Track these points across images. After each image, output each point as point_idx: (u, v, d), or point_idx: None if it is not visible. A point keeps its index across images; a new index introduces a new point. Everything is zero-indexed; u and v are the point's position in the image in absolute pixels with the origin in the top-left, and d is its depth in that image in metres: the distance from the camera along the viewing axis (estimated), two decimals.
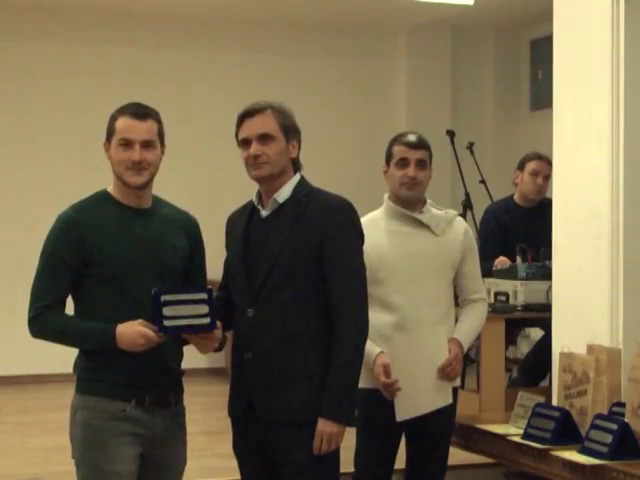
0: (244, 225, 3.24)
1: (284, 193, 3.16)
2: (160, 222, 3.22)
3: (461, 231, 3.97)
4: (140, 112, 3.15)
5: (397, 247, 3.78)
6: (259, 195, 3.26)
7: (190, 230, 3.30)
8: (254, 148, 3.15)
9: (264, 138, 3.15)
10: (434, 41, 9.54)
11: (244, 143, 3.19)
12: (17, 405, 7.52)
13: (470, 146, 8.28)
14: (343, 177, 8.38)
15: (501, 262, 6.10)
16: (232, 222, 3.34)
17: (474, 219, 7.85)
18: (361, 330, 3.11)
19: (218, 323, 3.06)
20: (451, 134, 8.45)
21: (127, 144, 3.12)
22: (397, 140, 3.86)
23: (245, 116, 3.19)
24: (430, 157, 3.92)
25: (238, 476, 5.09)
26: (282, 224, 3.14)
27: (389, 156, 3.87)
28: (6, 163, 8.61)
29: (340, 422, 3.04)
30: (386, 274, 3.72)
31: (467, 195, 8.13)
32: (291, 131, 3.17)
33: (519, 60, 9.95)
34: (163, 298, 2.96)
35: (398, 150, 3.83)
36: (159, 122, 3.19)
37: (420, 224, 3.86)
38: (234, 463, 5.36)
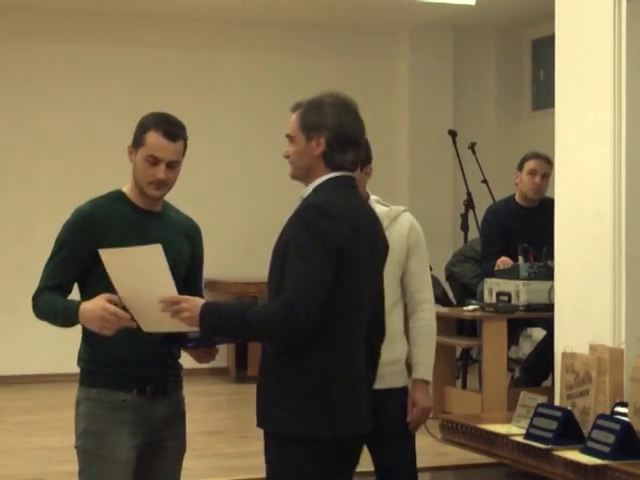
0: None
1: (307, 191, 3.11)
2: (168, 226, 3.32)
3: (406, 227, 3.85)
4: (172, 133, 3.21)
5: None
6: None
7: (193, 236, 3.40)
8: (285, 148, 3.15)
9: (288, 138, 3.14)
10: (436, 41, 9.52)
11: None
12: (18, 405, 7.51)
13: (472, 146, 8.28)
14: None
15: (503, 262, 6.09)
16: None
17: (476, 219, 7.85)
18: (271, 319, 2.88)
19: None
20: (453, 134, 8.45)
21: (154, 162, 3.21)
22: None
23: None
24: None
25: (239, 476, 5.12)
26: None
27: None
28: (5, 164, 8.59)
29: (198, 313, 2.94)
30: None
31: (469, 195, 8.13)
32: (313, 128, 3.07)
33: (521, 60, 9.94)
34: (186, 343, 3.09)
35: None
36: (185, 139, 3.28)
37: None
38: (235, 463, 5.38)
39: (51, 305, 3.19)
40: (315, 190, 3.07)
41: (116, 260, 3.03)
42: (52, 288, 3.22)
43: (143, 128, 3.23)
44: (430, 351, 3.85)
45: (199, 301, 2.95)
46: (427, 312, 3.86)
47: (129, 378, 3.21)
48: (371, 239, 3.05)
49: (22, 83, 8.62)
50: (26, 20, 8.58)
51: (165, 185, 3.23)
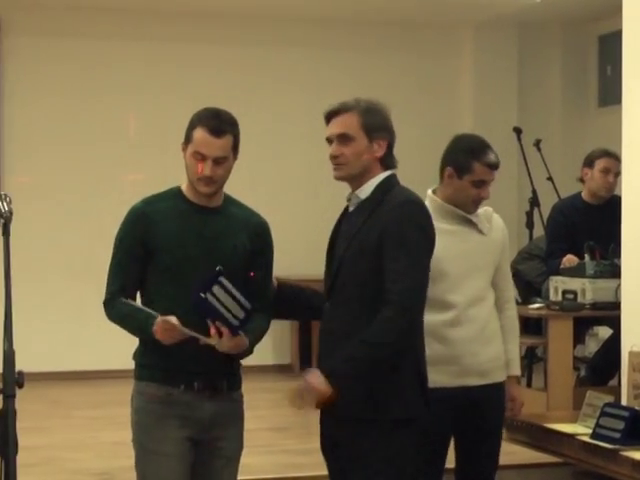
0: (338, 219, 3.30)
1: (366, 190, 3.18)
2: (225, 221, 3.30)
3: (501, 228, 3.95)
4: (217, 129, 3.19)
5: (449, 246, 3.72)
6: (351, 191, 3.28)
7: (257, 232, 3.35)
8: (333, 148, 3.18)
9: (343, 138, 3.16)
10: (500, 38, 9.46)
11: (328, 142, 3.22)
12: (87, 400, 7.62)
13: (537, 143, 8.21)
14: (408, 174, 8.34)
15: (569, 260, 6.05)
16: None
17: (541, 216, 7.79)
18: (397, 323, 3.01)
19: (244, 338, 3.14)
20: (518, 131, 8.39)
21: (201, 159, 3.20)
22: (479, 157, 3.74)
23: (330, 115, 3.21)
24: None
25: (304, 473, 5.15)
26: (356, 221, 3.17)
27: (464, 168, 3.77)
28: (73, 162, 8.73)
29: (324, 373, 2.99)
30: (438, 273, 3.64)
31: (534, 192, 8.07)
32: (377, 130, 3.15)
33: (587, 56, 9.83)
34: (221, 279, 3.09)
35: (480, 170, 3.75)
36: (235, 135, 3.25)
37: (469, 223, 3.83)
38: (300, 459, 5.41)
39: (130, 317, 3.21)
40: (380, 188, 3.13)
41: None
42: (119, 292, 3.24)
43: (192, 125, 3.24)
44: (518, 347, 3.97)
45: (317, 372, 3.00)
46: (513, 310, 3.97)
47: (177, 373, 3.22)
48: None
49: (94, 79, 8.77)
50: (96, 20, 8.74)
51: (214, 182, 3.22)
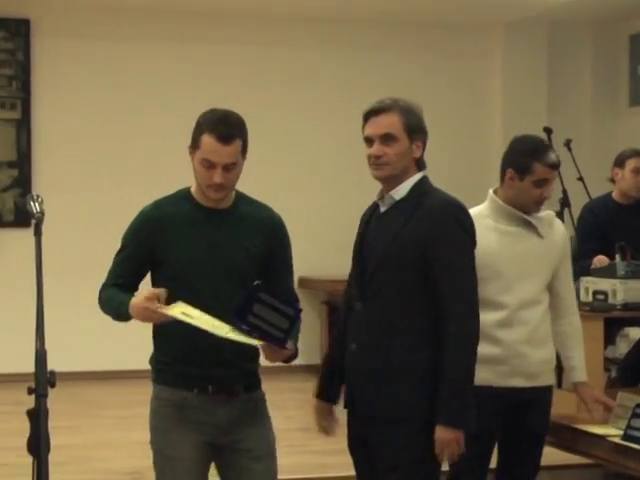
0: (366, 220, 3.32)
1: (401, 191, 3.19)
2: (236, 223, 3.24)
3: (562, 233, 3.95)
4: (226, 135, 3.11)
5: (505, 247, 3.75)
6: (382, 191, 3.28)
7: (270, 230, 3.29)
8: (376, 148, 3.17)
9: (386, 138, 3.15)
10: (530, 37, 9.43)
11: (367, 141, 3.21)
12: (118, 400, 7.67)
13: (567, 143, 8.17)
14: (439, 174, 8.31)
15: (600, 260, 6.02)
16: (362, 217, 3.39)
17: (572, 217, 7.74)
18: (468, 332, 3.11)
19: (290, 345, 3.08)
20: (548, 131, 8.33)
21: (210, 166, 3.14)
22: (540, 158, 3.74)
23: (370, 114, 3.20)
24: None
25: (333, 473, 5.15)
26: (394, 221, 3.18)
27: (525, 169, 3.75)
28: (103, 161, 8.80)
29: (452, 427, 3.05)
30: (492, 273, 3.67)
31: (564, 192, 8.02)
32: (416, 131, 3.17)
33: (618, 55, 9.76)
34: (260, 295, 3.02)
35: (541, 170, 3.75)
36: (244, 139, 3.19)
37: (529, 225, 3.83)
38: (330, 460, 5.41)
39: (109, 300, 3.23)
40: (415, 190, 3.14)
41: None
42: (115, 286, 3.25)
43: (199, 130, 3.16)
44: (583, 355, 4.01)
45: (442, 428, 3.05)
46: (577, 315, 4.00)
47: (191, 377, 3.19)
48: None
49: (117, 80, 8.83)
50: (124, 21, 8.81)
51: (225, 187, 3.16)
